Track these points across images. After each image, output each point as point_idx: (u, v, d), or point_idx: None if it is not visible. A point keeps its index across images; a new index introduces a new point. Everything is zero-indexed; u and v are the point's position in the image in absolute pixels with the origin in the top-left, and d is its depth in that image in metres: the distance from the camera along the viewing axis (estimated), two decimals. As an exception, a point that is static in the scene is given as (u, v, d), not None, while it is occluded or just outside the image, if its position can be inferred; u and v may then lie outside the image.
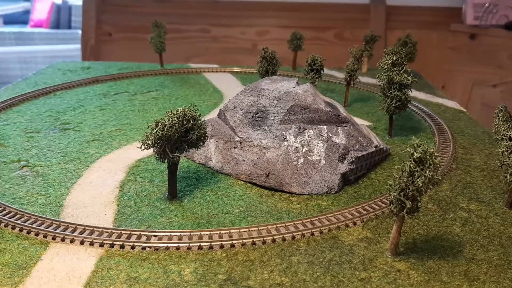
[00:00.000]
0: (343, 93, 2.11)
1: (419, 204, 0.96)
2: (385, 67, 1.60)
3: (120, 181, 1.34)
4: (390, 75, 1.58)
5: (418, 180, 0.92)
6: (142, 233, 1.07)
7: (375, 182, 1.38)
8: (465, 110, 2.10)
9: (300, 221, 1.14)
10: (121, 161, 1.47)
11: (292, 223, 1.13)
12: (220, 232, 1.08)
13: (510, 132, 1.22)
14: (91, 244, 1.04)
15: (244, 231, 1.09)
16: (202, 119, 1.24)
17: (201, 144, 1.24)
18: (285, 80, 1.56)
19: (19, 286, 0.90)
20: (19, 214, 1.14)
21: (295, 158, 1.33)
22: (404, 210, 0.95)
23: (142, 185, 1.33)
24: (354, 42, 2.33)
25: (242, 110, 1.47)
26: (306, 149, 1.35)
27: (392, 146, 1.62)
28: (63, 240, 1.05)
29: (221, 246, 1.04)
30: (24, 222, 1.10)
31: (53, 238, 1.05)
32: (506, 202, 1.26)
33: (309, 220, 1.15)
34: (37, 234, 1.07)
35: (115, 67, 2.62)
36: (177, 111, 1.17)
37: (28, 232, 1.07)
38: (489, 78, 3.09)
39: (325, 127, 1.39)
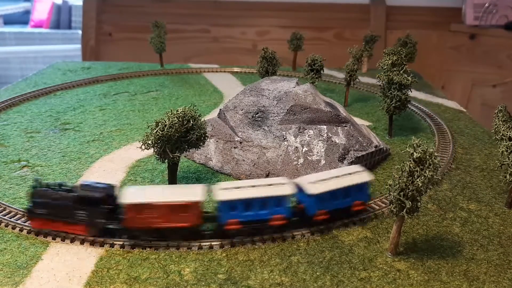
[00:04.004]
0: (343, 93, 2.11)
1: (419, 204, 0.96)
2: (385, 67, 1.60)
3: (120, 181, 1.34)
4: (390, 75, 1.58)
5: (417, 180, 0.92)
6: (142, 233, 1.08)
7: (375, 182, 1.38)
8: (465, 110, 2.11)
9: (300, 221, 1.14)
10: (121, 161, 1.47)
11: (292, 223, 1.13)
12: (220, 232, 1.08)
13: (510, 132, 1.22)
14: (92, 244, 1.04)
15: (244, 231, 1.09)
16: (202, 119, 1.24)
17: (201, 144, 1.24)
18: (285, 80, 1.56)
19: (20, 286, 0.91)
20: (20, 214, 1.14)
21: (295, 158, 1.34)
22: (404, 210, 0.96)
23: (142, 185, 1.33)
24: (354, 42, 2.33)
25: (242, 110, 1.47)
26: (306, 149, 1.35)
27: (392, 146, 1.62)
28: (63, 240, 1.05)
29: (221, 246, 1.05)
30: (24, 222, 1.10)
31: (53, 238, 1.06)
32: (506, 202, 1.26)
33: (309, 220, 1.14)
34: (37, 234, 1.07)
35: (115, 67, 2.62)
36: (177, 111, 1.17)
37: (29, 232, 1.08)
38: (489, 78, 3.09)
39: (325, 127, 1.39)
